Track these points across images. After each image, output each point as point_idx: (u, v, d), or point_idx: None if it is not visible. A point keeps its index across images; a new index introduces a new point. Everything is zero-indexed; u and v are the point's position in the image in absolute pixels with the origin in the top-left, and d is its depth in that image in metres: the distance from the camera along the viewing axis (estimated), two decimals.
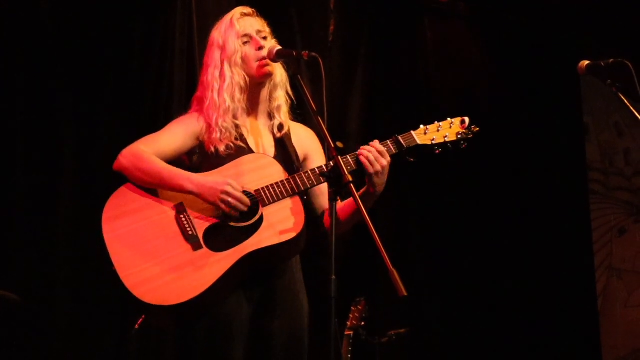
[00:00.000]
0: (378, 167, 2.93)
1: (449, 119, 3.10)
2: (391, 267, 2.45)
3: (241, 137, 3.08)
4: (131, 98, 4.45)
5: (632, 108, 3.12)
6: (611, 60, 3.19)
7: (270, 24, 3.20)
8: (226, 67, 3.08)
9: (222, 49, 3.10)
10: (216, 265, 2.85)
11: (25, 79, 4.24)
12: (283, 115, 3.17)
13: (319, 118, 2.77)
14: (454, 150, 3.07)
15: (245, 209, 2.89)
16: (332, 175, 2.73)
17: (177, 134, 3.09)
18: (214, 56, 3.11)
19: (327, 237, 2.62)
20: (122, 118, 4.39)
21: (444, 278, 5.67)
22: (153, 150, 3.01)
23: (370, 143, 2.96)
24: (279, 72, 3.16)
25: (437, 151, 3.06)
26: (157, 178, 2.96)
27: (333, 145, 2.74)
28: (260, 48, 3.07)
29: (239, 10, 3.16)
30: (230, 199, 2.87)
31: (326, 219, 3.12)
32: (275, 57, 3.02)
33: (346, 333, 4.42)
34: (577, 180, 6.21)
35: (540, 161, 6.02)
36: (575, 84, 6.19)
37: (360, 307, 4.51)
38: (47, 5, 4.30)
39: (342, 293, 2.58)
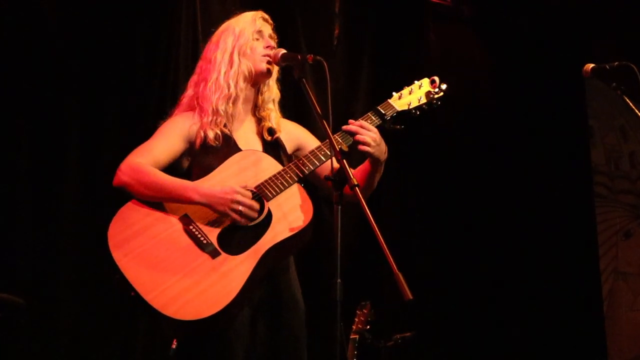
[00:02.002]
0: (371, 135, 2.99)
1: (416, 81, 3.23)
2: (397, 271, 2.45)
3: (230, 132, 3.11)
4: (136, 101, 4.47)
5: (637, 111, 3.12)
6: (616, 63, 3.19)
7: (275, 28, 3.26)
8: (235, 53, 3.13)
9: (237, 36, 3.15)
10: (240, 267, 2.84)
11: (28, 77, 4.26)
12: (274, 122, 3.20)
13: (324, 122, 2.77)
14: (430, 110, 3.18)
15: (256, 215, 2.90)
16: (337, 179, 2.73)
17: (170, 139, 3.08)
18: (226, 40, 3.16)
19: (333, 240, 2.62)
20: (127, 122, 4.41)
21: (449, 282, 5.67)
22: (149, 160, 3.00)
23: (350, 122, 3.03)
24: (274, 90, 3.25)
25: (416, 114, 3.17)
26: (161, 191, 2.93)
27: (338, 149, 2.75)
28: (268, 47, 3.15)
29: (261, 13, 3.25)
30: (241, 207, 2.87)
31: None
32: (280, 61, 3.06)
33: (352, 337, 4.41)
34: (582, 184, 6.19)
35: (545, 164, 6.01)
36: (580, 87, 6.18)
37: (365, 311, 4.51)
38: (50, 6, 4.32)
39: (347, 296, 2.58)
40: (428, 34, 5.90)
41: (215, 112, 3.07)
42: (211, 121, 3.06)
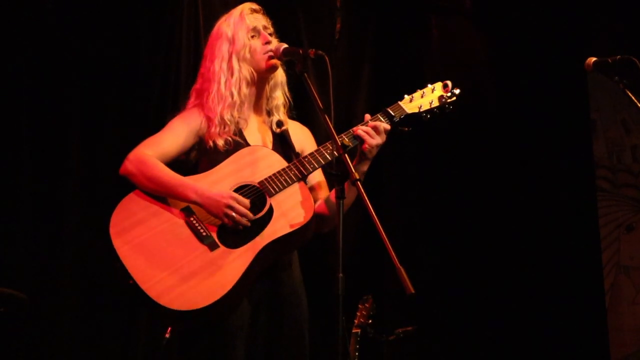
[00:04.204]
0: (378, 141, 3.00)
1: (429, 85, 3.20)
2: (398, 265, 2.45)
3: (240, 133, 3.11)
4: (137, 97, 4.47)
5: (639, 104, 3.11)
6: (618, 56, 3.17)
7: (276, 22, 3.23)
8: (234, 60, 3.11)
9: (231, 42, 3.12)
10: (237, 261, 2.85)
11: (30, 76, 4.27)
12: (282, 114, 3.21)
13: (326, 116, 2.77)
14: (441, 114, 3.16)
15: (248, 224, 2.90)
16: (338, 173, 2.73)
17: (180, 133, 3.09)
18: (221, 48, 3.13)
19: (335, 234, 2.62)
20: (128, 118, 4.41)
21: (451, 275, 5.67)
22: (157, 152, 3.01)
23: (368, 123, 3.03)
24: (279, 73, 3.22)
25: (426, 118, 3.15)
26: (161, 186, 2.95)
27: (340, 143, 2.75)
28: (268, 42, 3.12)
29: (247, 5, 3.20)
30: (234, 214, 2.88)
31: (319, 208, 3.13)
32: (282, 55, 3.05)
33: (353, 331, 4.42)
34: (584, 177, 6.18)
35: (548, 158, 6.00)
36: (582, 80, 6.17)
37: (367, 305, 4.51)
38: (52, 4, 4.31)
39: (349, 291, 2.59)
40: (430, 28, 5.90)
41: (222, 122, 3.07)
42: (219, 131, 3.06)
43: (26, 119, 4.25)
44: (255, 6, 3.21)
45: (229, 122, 3.07)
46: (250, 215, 2.90)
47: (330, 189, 3.17)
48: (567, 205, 6.01)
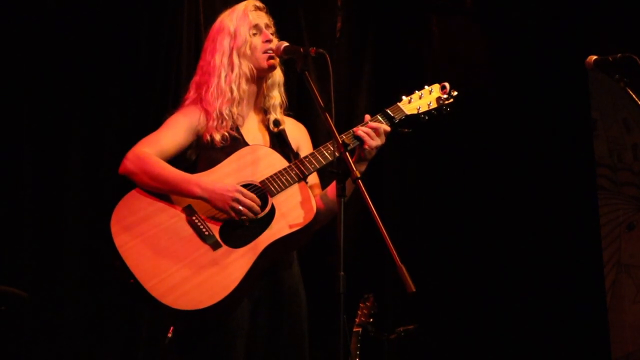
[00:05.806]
0: (378, 143, 3.00)
1: (426, 86, 3.20)
2: (400, 263, 2.45)
3: (237, 129, 3.11)
4: (138, 96, 4.47)
5: None
6: (619, 55, 3.17)
7: (277, 21, 3.24)
8: (235, 55, 3.10)
9: (233, 37, 3.12)
10: (240, 260, 2.85)
11: (30, 75, 4.27)
12: (278, 113, 3.21)
13: (327, 114, 2.77)
14: (439, 116, 3.17)
15: (254, 217, 2.90)
16: (339, 172, 2.73)
17: (178, 131, 3.08)
18: (222, 42, 3.12)
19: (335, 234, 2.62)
20: (129, 117, 4.41)
21: (452, 274, 5.67)
22: (156, 150, 3.01)
23: (367, 123, 3.03)
24: (277, 72, 3.22)
25: (424, 119, 3.16)
26: (164, 183, 2.94)
27: (340, 142, 2.75)
28: (268, 41, 3.12)
29: (251, 2, 3.20)
30: (240, 207, 2.87)
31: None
32: (283, 54, 3.05)
33: (355, 329, 4.42)
34: (585, 176, 6.18)
35: (548, 157, 6.00)
36: (583, 79, 6.17)
37: (368, 304, 4.52)
38: (52, 3, 4.32)
39: (350, 289, 2.59)
40: (430, 26, 5.90)
41: (220, 116, 3.07)
42: (217, 125, 3.06)
43: (27, 118, 4.25)
44: (259, 4, 3.21)
45: (227, 117, 3.07)
46: (257, 207, 2.89)
47: (324, 187, 3.18)
48: (568, 204, 6.01)
